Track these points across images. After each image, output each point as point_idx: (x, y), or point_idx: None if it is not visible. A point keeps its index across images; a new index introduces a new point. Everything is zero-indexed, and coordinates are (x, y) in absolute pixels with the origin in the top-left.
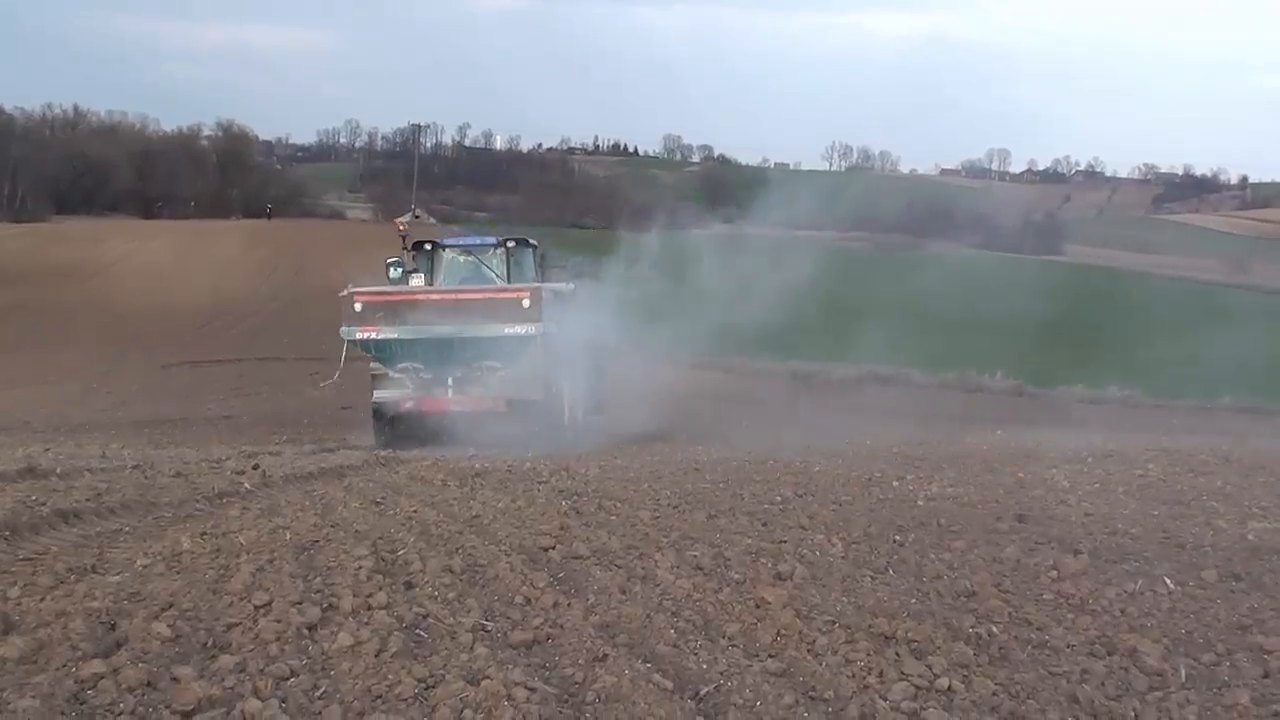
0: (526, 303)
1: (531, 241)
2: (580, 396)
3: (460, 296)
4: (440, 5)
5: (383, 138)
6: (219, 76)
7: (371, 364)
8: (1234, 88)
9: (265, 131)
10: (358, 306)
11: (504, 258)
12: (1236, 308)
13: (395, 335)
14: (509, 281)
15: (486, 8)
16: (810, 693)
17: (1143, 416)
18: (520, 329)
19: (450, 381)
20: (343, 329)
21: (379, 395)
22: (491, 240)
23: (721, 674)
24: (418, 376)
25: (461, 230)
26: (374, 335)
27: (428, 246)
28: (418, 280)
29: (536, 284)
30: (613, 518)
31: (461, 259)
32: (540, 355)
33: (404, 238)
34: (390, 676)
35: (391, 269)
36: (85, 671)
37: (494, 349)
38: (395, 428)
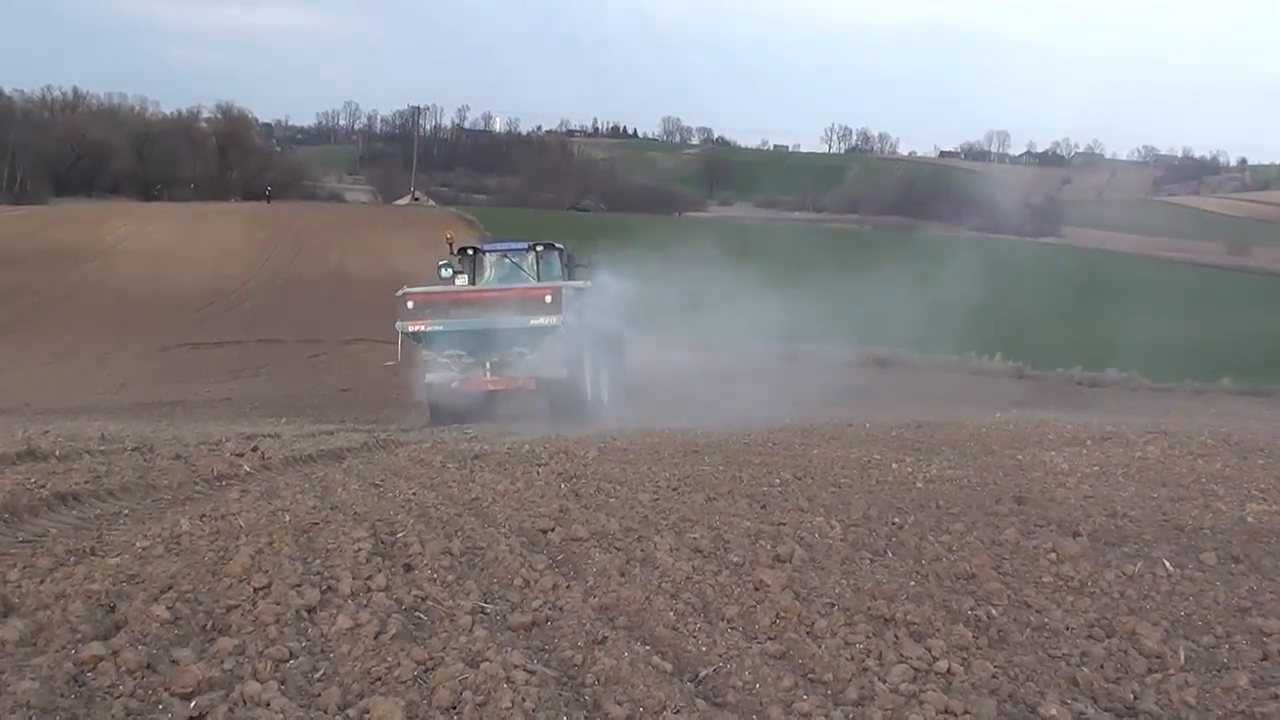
0: (549, 299)
1: (558, 245)
2: (601, 375)
3: (494, 295)
4: None
5: (382, 120)
6: (218, 59)
7: (422, 351)
8: (1234, 70)
9: (264, 114)
10: (410, 305)
11: (535, 259)
12: (1236, 290)
13: (441, 328)
14: (539, 279)
15: None
16: (809, 675)
17: (1142, 399)
18: (544, 320)
19: (488, 365)
20: (398, 323)
21: (430, 377)
22: (524, 245)
23: (721, 656)
24: (460, 361)
25: (495, 237)
26: (424, 328)
27: (470, 251)
28: (462, 280)
29: (558, 283)
30: (612, 500)
31: (499, 261)
32: (561, 341)
33: (450, 244)
34: (389, 659)
35: (443, 270)
36: (85, 654)
37: (523, 337)
38: (444, 404)
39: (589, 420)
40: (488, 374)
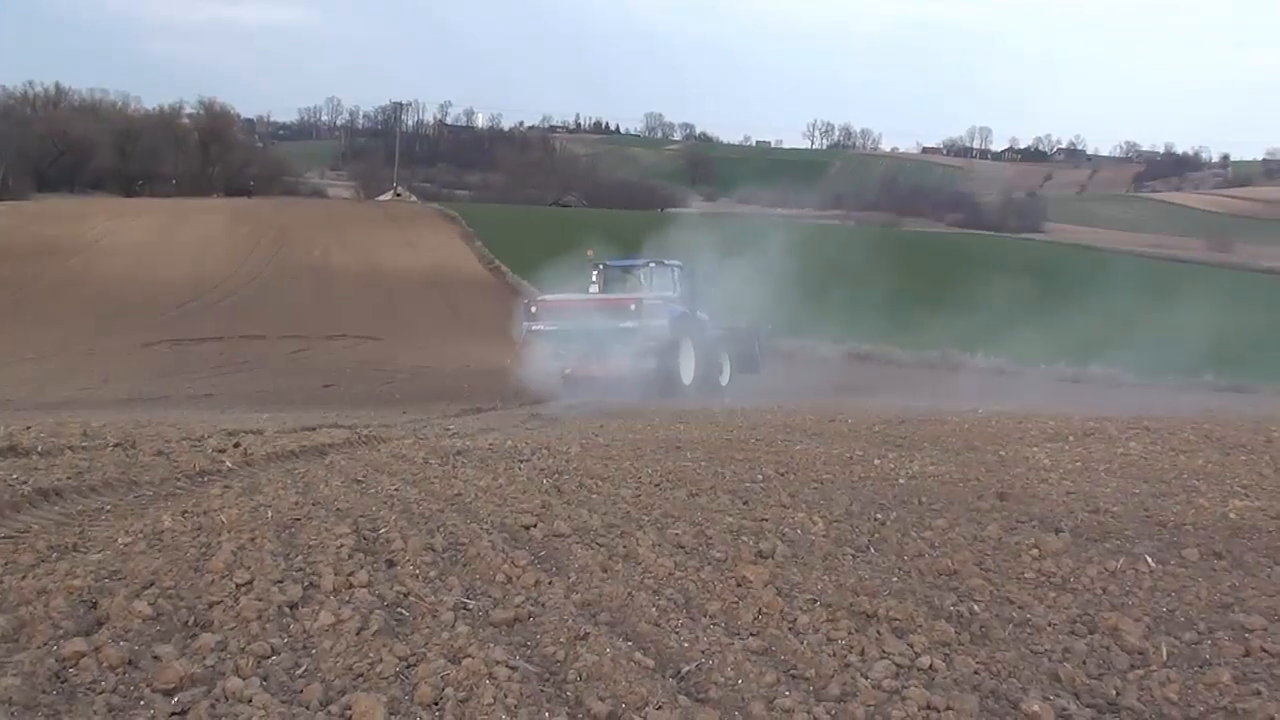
0: (633, 307)
1: (668, 262)
2: (714, 365)
3: (593, 303)
4: None
5: (364, 115)
6: (201, 55)
7: (541, 345)
8: (1216, 67)
9: (247, 109)
10: (533, 309)
11: (649, 273)
12: (1218, 286)
13: (555, 327)
14: (651, 288)
15: None
16: (791, 671)
17: (1125, 395)
18: (628, 324)
19: (592, 356)
20: (522, 324)
21: (547, 366)
22: (641, 261)
23: (703, 652)
24: (571, 353)
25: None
26: (543, 327)
27: (601, 266)
28: (594, 289)
29: (641, 295)
30: (594, 496)
31: (620, 274)
32: (647, 339)
33: (590, 259)
34: (371, 655)
35: (591, 286)
36: (67, 650)
37: (616, 336)
38: (558, 387)
39: (685, 398)
40: (591, 364)
